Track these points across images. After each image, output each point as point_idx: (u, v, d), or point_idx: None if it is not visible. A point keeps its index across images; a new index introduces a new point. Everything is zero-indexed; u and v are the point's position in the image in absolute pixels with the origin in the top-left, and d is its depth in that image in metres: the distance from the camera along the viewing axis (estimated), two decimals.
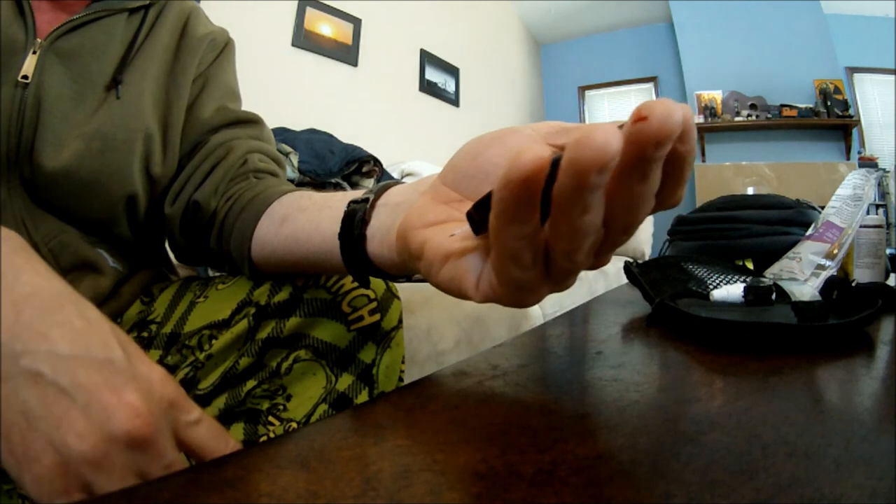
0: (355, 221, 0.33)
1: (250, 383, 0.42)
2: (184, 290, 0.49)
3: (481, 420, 0.25)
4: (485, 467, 0.20)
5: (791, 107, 3.94)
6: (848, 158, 3.90)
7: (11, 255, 0.26)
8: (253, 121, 0.54)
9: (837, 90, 3.88)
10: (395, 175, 2.12)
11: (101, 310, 0.47)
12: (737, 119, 4.03)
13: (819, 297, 0.56)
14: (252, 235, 0.42)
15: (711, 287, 0.60)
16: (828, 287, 0.58)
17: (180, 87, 0.50)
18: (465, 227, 0.24)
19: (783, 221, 0.85)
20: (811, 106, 3.92)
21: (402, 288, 0.35)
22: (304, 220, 0.38)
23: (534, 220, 0.20)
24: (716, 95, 4.11)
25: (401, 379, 0.44)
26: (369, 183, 1.82)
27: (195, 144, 0.50)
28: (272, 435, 0.40)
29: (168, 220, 0.49)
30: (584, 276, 1.71)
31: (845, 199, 0.71)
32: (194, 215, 0.48)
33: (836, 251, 0.66)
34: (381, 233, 0.32)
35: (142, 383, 0.24)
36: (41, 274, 0.26)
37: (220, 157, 0.49)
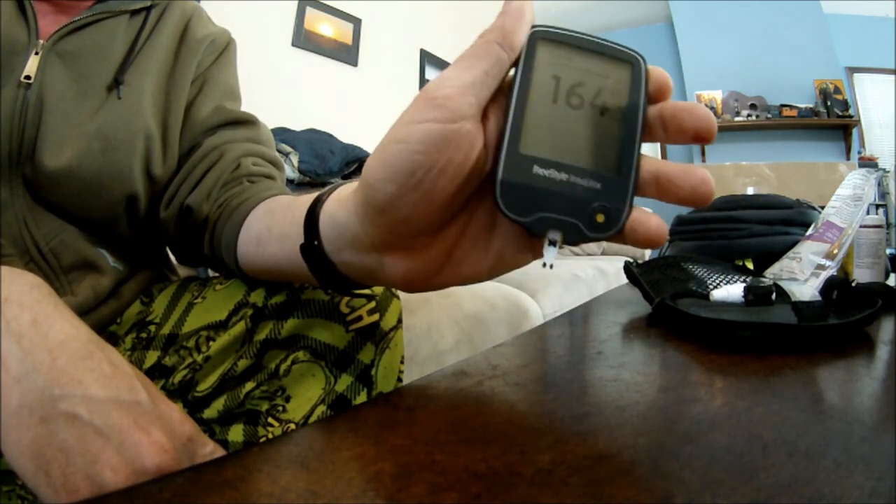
0: (311, 239, 0.31)
1: (249, 385, 0.42)
2: (182, 291, 0.49)
3: (481, 420, 0.25)
4: (485, 467, 0.20)
5: (791, 107, 3.94)
6: (848, 158, 3.90)
7: (42, 302, 0.28)
8: (249, 122, 0.53)
9: (837, 90, 3.88)
10: None
11: (102, 309, 0.47)
12: (737, 119, 4.03)
13: (819, 297, 0.56)
14: (236, 250, 0.42)
15: (711, 287, 0.60)
16: (828, 287, 0.58)
17: (180, 88, 0.50)
18: None
19: (783, 221, 0.85)
20: (811, 106, 3.93)
21: None
22: (275, 247, 0.37)
23: None
24: (716, 95, 4.11)
25: (399, 380, 0.44)
26: None
27: (192, 145, 0.50)
28: (271, 436, 0.40)
29: (163, 224, 0.49)
30: (584, 275, 1.71)
31: (845, 199, 0.71)
32: (187, 220, 0.47)
33: (836, 251, 0.66)
34: (330, 213, 0.30)
35: (165, 422, 0.26)
36: (70, 321, 0.28)
37: (212, 161, 0.49)
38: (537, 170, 0.24)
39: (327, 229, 0.30)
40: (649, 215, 0.24)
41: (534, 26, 0.24)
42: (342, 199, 0.29)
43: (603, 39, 0.25)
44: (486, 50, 0.23)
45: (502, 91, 0.25)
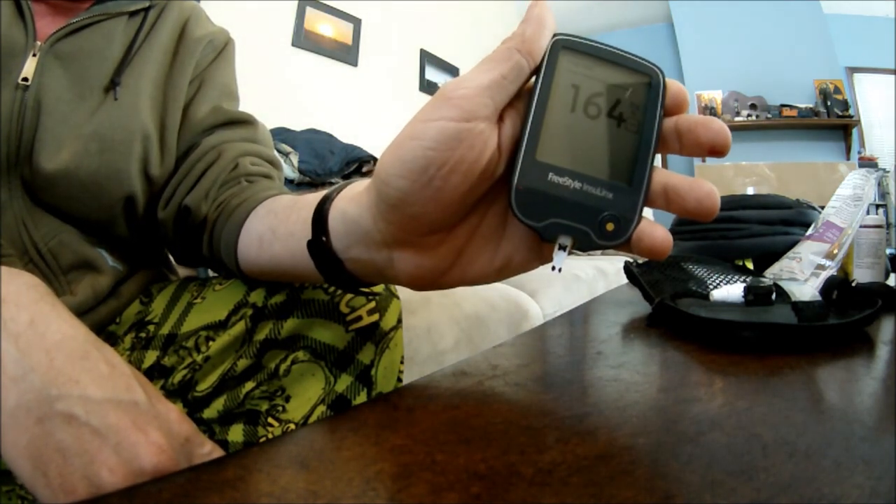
0: (319, 236, 0.31)
1: (249, 385, 0.42)
2: (181, 291, 0.49)
3: (481, 420, 0.25)
4: (485, 467, 0.20)
5: (791, 107, 3.94)
6: (848, 158, 3.90)
7: (40, 302, 0.28)
8: (247, 122, 0.53)
9: (837, 90, 3.88)
10: None
11: (101, 309, 0.47)
12: (737, 119, 4.03)
13: (819, 297, 0.56)
14: (237, 251, 0.41)
15: (711, 287, 0.60)
16: (828, 287, 0.58)
17: (177, 89, 0.50)
18: None
19: (783, 221, 0.85)
20: (811, 106, 3.93)
21: (402, 288, 0.35)
22: (279, 247, 0.36)
23: None
24: (716, 95, 4.11)
25: (399, 380, 0.44)
26: None
27: (189, 145, 0.50)
28: (271, 436, 0.40)
29: (161, 224, 0.49)
30: (585, 275, 1.71)
31: (845, 199, 0.71)
32: (185, 220, 0.47)
33: (836, 251, 0.66)
34: (341, 210, 0.30)
35: (163, 422, 0.26)
36: (68, 321, 0.28)
37: (210, 161, 0.49)
38: (552, 177, 0.24)
39: (337, 226, 0.30)
40: (655, 226, 0.24)
41: (555, 34, 0.25)
42: (354, 196, 0.30)
43: (623, 51, 0.25)
44: (506, 55, 0.24)
45: (521, 97, 0.25)
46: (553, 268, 0.25)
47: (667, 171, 0.25)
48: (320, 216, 0.31)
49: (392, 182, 0.24)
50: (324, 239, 0.31)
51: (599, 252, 2.76)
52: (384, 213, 0.26)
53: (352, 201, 0.29)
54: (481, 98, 0.23)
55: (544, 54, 0.25)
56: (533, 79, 0.25)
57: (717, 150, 0.24)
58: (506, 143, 0.25)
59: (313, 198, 0.33)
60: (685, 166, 3.95)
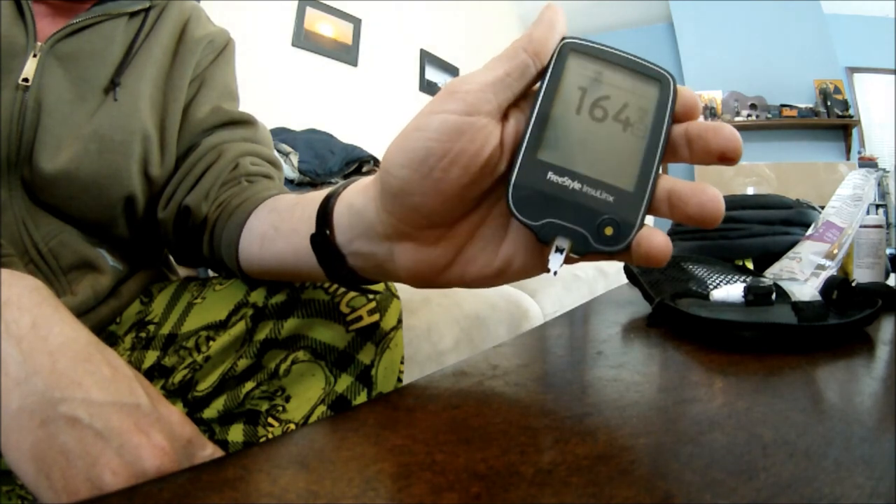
0: (323, 229, 0.31)
1: (249, 384, 0.42)
2: (181, 291, 0.49)
3: (481, 420, 0.25)
4: (485, 467, 0.20)
5: (791, 107, 3.94)
6: (848, 158, 3.90)
7: (42, 305, 0.28)
8: (247, 122, 0.53)
9: (837, 90, 3.88)
10: None
11: (101, 308, 0.47)
12: (737, 119, 4.02)
13: (819, 297, 0.56)
14: (238, 250, 0.42)
15: (711, 287, 0.60)
16: (828, 287, 0.58)
17: (177, 89, 0.50)
18: None
19: (783, 221, 0.85)
20: (811, 106, 3.92)
21: (402, 288, 0.35)
22: (282, 244, 0.37)
23: None
24: (716, 95, 4.11)
25: (399, 380, 0.44)
26: None
27: (189, 146, 0.50)
28: (271, 436, 0.40)
29: (161, 225, 0.49)
30: (585, 275, 1.71)
31: (845, 199, 0.71)
32: (185, 220, 0.47)
33: (836, 251, 0.66)
34: (347, 202, 0.31)
35: (165, 424, 0.26)
36: (70, 324, 0.28)
37: (210, 161, 0.49)
38: (552, 176, 0.24)
39: (341, 219, 0.31)
40: (654, 231, 0.24)
41: (565, 37, 0.25)
42: (361, 188, 0.30)
43: (634, 56, 0.25)
44: (512, 54, 0.24)
45: (528, 97, 0.25)
46: (548, 270, 0.25)
47: (671, 178, 0.25)
48: (325, 211, 0.31)
49: (394, 171, 0.25)
50: (327, 233, 0.31)
51: None
52: (386, 203, 0.26)
53: (359, 193, 0.30)
54: (484, 93, 0.24)
55: (552, 55, 0.25)
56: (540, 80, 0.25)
57: (728, 157, 0.23)
58: (509, 141, 0.25)
59: (317, 195, 0.34)
60: (685, 166, 3.95)
